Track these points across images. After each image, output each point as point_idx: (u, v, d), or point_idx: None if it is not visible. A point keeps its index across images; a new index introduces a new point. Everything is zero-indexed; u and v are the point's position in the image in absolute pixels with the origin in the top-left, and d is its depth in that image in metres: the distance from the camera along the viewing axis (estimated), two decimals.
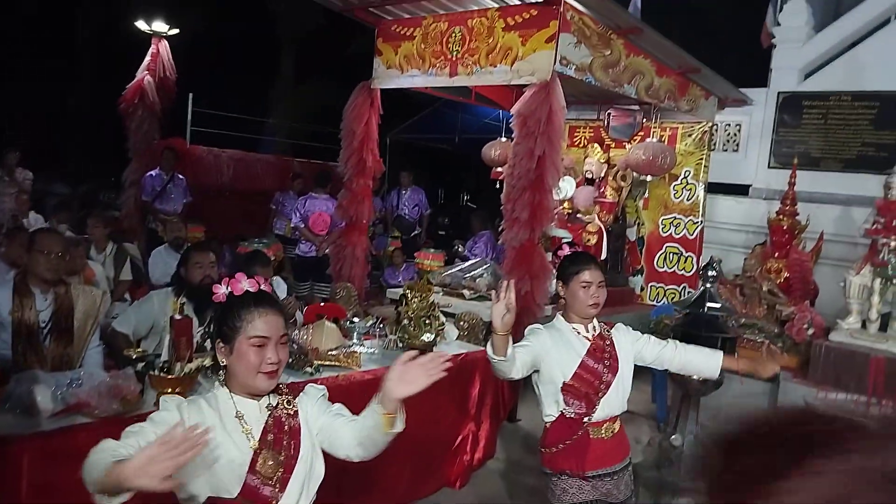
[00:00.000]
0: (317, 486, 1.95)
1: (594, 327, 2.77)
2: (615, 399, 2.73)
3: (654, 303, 7.07)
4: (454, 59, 5.58)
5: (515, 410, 5.17)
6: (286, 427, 1.89)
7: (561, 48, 4.94)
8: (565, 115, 5.03)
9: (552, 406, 2.72)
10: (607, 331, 2.81)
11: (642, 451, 4.93)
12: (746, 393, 5.02)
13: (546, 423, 2.77)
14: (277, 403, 1.91)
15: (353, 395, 3.85)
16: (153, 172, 8.03)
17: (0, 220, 6.69)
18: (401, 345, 4.31)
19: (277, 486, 1.82)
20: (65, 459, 2.70)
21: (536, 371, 2.71)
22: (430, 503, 4.24)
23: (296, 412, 1.94)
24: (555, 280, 2.90)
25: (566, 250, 2.83)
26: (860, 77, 6.68)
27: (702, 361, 2.90)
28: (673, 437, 4.08)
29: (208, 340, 1.98)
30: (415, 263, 7.29)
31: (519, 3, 5.15)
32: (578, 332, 2.73)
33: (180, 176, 8.24)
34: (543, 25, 4.99)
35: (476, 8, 5.43)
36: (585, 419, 2.66)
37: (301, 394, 2.01)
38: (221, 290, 1.87)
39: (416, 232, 9.65)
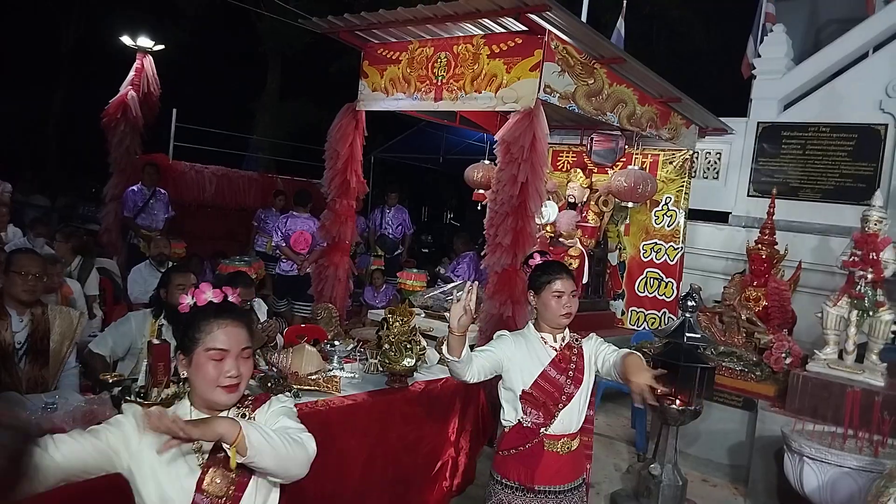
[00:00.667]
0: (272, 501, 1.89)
1: (563, 337, 2.75)
2: (575, 412, 2.70)
3: (635, 327, 7.11)
4: (439, 83, 5.61)
5: (495, 436, 5.14)
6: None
7: (545, 76, 4.99)
8: (548, 142, 5.06)
9: (511, 412, 2.72)
10: (577, 340, 2.79)
11: (621, 479, 4.94)
12: (726, 419, 5.06)
13: (504, 427, 2.77)
14: (241, 417, 1.84)
15: (333, 421, 3.83)
16: (135, 188, 7.96)
17: None
18: (381, 369, 4.29)
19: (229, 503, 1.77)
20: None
21: (499, 376, 2.71)
22: None
23: None
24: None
25: (537, 259, 2.80)
26: (838, 109, 6.80)
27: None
28: (652, 465, 4.09)
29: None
30: (397, 283, 7.28)
31: (504, 31, 5.20)
32: (546, 342, 2.72)
33: (162, 191, 8.16)
34: (528, 54, 5.04)
35: (462, 34, 5.48)
36: (542, 430, 2.65)
37: (263, 406, 1.91)
38: (186, 301, 1.83)
39: (398, 251, 9.66)
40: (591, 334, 2.88)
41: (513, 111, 5.09)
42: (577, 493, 2.77)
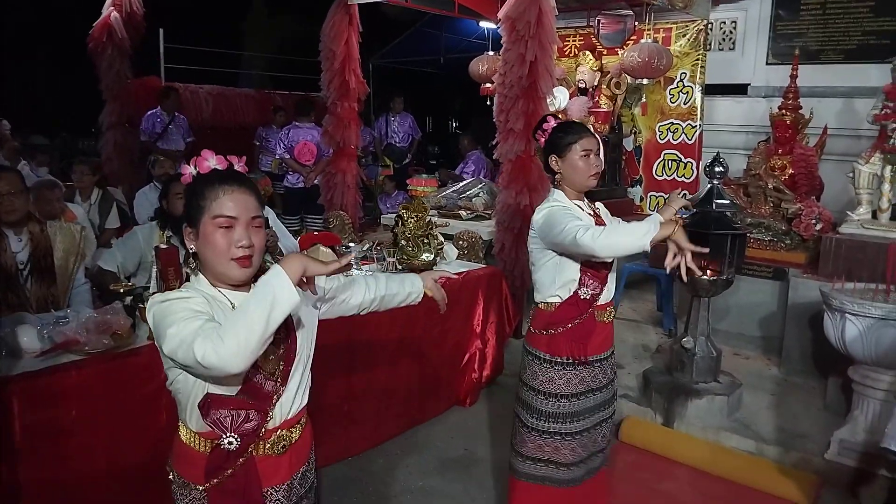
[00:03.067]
0: (309, 371, 1.82)
1: (588, 204, 2.61)
2: (613, 279, 2.62)
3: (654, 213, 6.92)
4: None
5: (521, 326, 5.07)
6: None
7: None
8: (556, 17, 4.75)
9: (564, 288, 2.54)
10: (595, 207, 2.67)
11: (651, 358, 4.88)
12: (756, 291, 4.94)
13: (547, 304, 2.58)
14: None
15: (356, 318, 3.72)
16: (154, 112, 7.77)
17: None
18: (399, 266, 4.18)
19: (279, 380, 1.69)
20: (57, 398, 2.59)
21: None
22: (440, 422, 4.18)
23: None
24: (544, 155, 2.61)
25: (552, 122, 2.58)
26: None
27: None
28: (684, 339, 3.99)
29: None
30: (408, 191, 7.11)
31: None
32: (582, 209, 2.55)
33: (181, 116, 7.97)
34: None
35: None
36: (596, 300, 2.55)
37: None
38: (188, 171, 1.66)
39: (406, 160, 9.43)
40: (597, 202, 2.73)
41: None
42: (614, 359, 2.73)
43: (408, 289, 2.15)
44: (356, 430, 3.73)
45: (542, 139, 2.59)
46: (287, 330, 1.72)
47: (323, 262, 1.54)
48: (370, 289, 2.09)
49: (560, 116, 3.01)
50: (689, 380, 3.97)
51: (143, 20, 8.27)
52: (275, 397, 1.69)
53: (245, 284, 1.69)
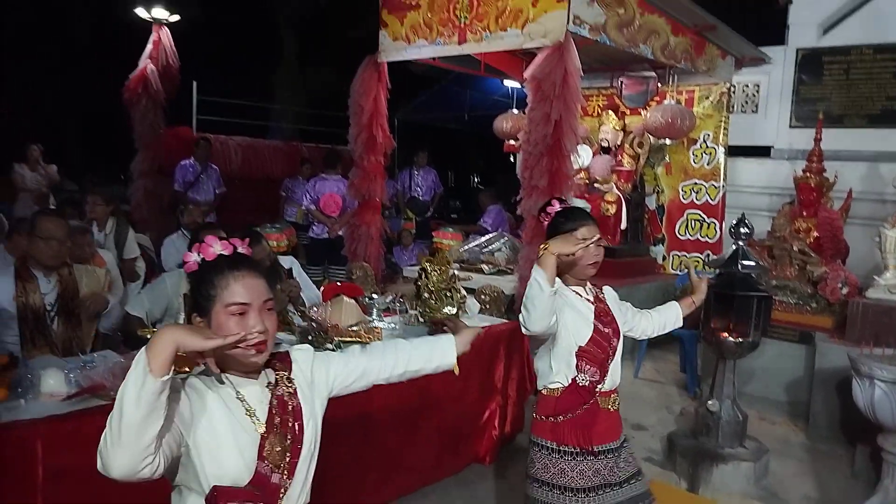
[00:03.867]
0: (315, 463, 1.77)
1: (590, 289, 2.56)
2: (618, 366, 2.54)
3: (677, 272, 6.90)
4: (462, 25, 5.41)
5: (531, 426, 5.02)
6: (289, 407, 1.68)
7: (574, 7, 4.77)
8: (581, 78, 4.84)
9: (561, 374, 2.47)
10: (601, 293, 2.61)
11: (675, 421, 4.80)
12: (782, 354, 4.88)
13: (550, 390, 2.51)
14: (277, 381, 1.70)
15: None
16: (186, 162, 7.95)
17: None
18: (422, 319, 4.18)
19: (286, 472, 1.64)
20: (80, 443, 2.59)
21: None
22: (459, 480, 4.11)
23: (295, 391, 1.72)
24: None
25: (556, 206, 2.53)
26: (882, 29, 6.44)
27: (671, 314, 2.80)
28: (710, 402, 3.92)
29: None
30: (433, 243, 7.15)
31: None
32: (580, 295, 2.51)
33: (213, 166, 8.15)
34: None
35: None
36: (598, 387, 2.47)
37: (293, 367, 1.77)
38: (192, 258, 1.63)
39: (429, 213, 9.52)
40: (604, 287, 2.69)
41: (541, 48, 4.87)
42: (626, 448, 2.59)
43: (436, 362, 2.05)
44: (372, 482, 3.67)
45: (546, 222, 2.55)
46: (294, 419, 1.68)
47: (202, 335, 1.44)
48: (389, 366, 1.98)
49: (561, 196, 2.97)
50: (715, 444, 3.89)
51: (177, 73, 8.55)
52: (282, 490, 1.63)
53: (256, 371, 1.67)
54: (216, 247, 1.63)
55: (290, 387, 1.71)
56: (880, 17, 6.48)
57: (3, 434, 2.43)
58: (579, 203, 6.03)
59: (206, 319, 1.59)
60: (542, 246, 2.26)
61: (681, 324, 2.82)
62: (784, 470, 4.06)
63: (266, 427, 1.62)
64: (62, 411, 2.62)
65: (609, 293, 2.66)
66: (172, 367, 1.38)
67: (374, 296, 4.56)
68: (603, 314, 2.52)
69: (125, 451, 1.39)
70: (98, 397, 2.73)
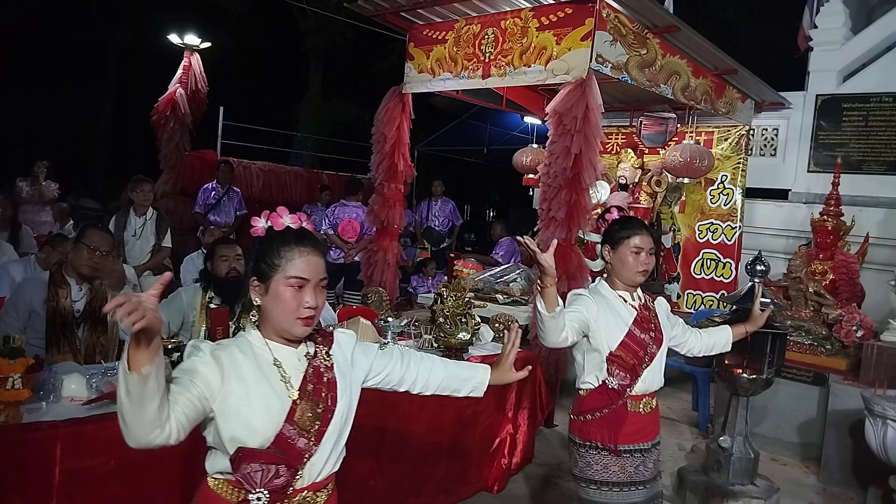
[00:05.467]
0: (344, 441, 1.85)
1: (639, 296, 2.65)
2: (657, 372, 2.63)
3: (691, 310, 6.90)
4: (487, 60, 5.53)
5: (553, 415, 5.02)
6: (325, 379, 1.76)
7: (597, 46, 4.86)
8: (601, 114, 4.92)
9: (592, 375, 2.60)
10: (651, 301, 2.71)
11: (686, 458, 4.77)
12: (795, 395, 4.85)
13: (582, 390, 2.64)
14: (316, 353, 1.79)
15: (389, 392, 3.76)
16: (209, 185, 8.10)
17: (19, 225, 6.69)
18: (436, 344, 4.21)
19: (313, 438, 1.71)
20: (98, 447, 2.64)
21: (585, 336, 2.58)
22: None
23: (332, 365, 1.81)
24: (599, 245, 2.75)
25: (615, 214, 2.69)
26: None
27: (722, 336, 2.94)
28: (722, 438, 3.91)
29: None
30: (455, 271, 7.21)
31: (553, 2, 5.08)
32: (624, 300, 2.61)
33: (235, 189, 8.29)
34: (579, 23, 4.92)
35: (509, 9, 5.37)
36: (627, 391, 2.54)
37: (333, 345, 1.86)
38: (260, 224, 1.74)
39: (445, 244, 9.58)
40: (658, 298, 2.81)
41: (562, 85, 4.97)
42: (657, 451, 2.69)
43: (468, 390, 2.14)
44: None
45: (603, 228, 2.71)
46: (328, 389, 1.76)
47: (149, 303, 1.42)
48: (424, 379, 2.06)
49: (620, 206, 3.12)
50: (726, 481, 3.87)
51: (205, 98, 8.76)
52: (306, 455, 1.70)
53: (297, 342, 1.75)
54: (286, 219, 1.73)
55: (328, 361, 1.80)
56: None
57: (23, 434, 2.48)
58: (596, 238, 6.08)
59: (264, 285, 1.69)
60: (536, 284, 2.44)
61: (729, 349, 2.97)
62: None
63: (299, 394, 1.70)
64: (82, 415, 2.67)
65: (661, 304, 2.76)
66: (154, 358, 1.44)
67: (390, 319, 4.60)
68: (645, 321, 2.60)
69: (132, 428, 1.51)
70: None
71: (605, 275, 2.71)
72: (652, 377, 2.60)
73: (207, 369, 1.64)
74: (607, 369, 2.55)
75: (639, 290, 2.67)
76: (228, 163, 8.46)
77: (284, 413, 1.68)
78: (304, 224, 1.76)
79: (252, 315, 1.76)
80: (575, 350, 2.65)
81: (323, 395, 1.74)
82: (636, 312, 2.59)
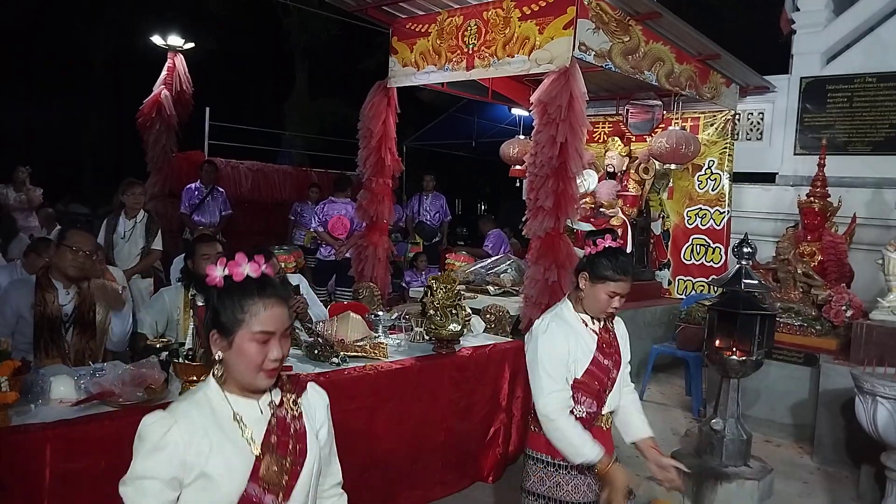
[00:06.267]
0: (315, 492, 1.75)
1: (598, 320, 2.56)
2: (617, 393, 2.56)
3: (682, 296, 6.92)
4: (470, 52, 5.53)
5: (525, 440, 5.02)
6: (291, 430, 1.66)
7: (579, 34, 4.87)
8: (586, 102, 4.92)
9: None
10: (610, 322, 2.62)
11: (679, 442, 4.79)
12: (787, 376, 4.88)
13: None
14: (282, 401, 1.68)
15: (382, 385, 3.77)
16: (192, 185, 8.05)
17: (16, 233, 6.67)
18: (427, 337, 4.21)
19: (282, 494, 1.61)
20: (88, 448, 2.63)
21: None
22: (463, 498, 4.11)
23: (300, 413, 1.70)
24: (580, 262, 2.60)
25: (608, 242, 2.50)
26: (884, 58, 6.54)
27: (632, 422, 2.67)
28: (714, 420, 3.93)
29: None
30: (447, 265, 7.22)
31: None
32: (586, 324, 2.53)
33: (219, 189, 8.23)
34: (561, 12, 4.93)
35: (491, 0, 5.37)
36: (595, 420, 2.50)
37: (304, 393, 1.77)
38: (217, 273, 1.60)
39: (436, 239, 9.58)
40: (618, 318, 2.68)
41: (548, 73, 4.97)
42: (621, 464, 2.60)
43: None
44: (372, 498, 3.67)
45: (591, 251, 2.53)
46: (296, 441, 1.67)
47: None
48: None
49: (614, 230, 3.03)
50: (719, 463, 3.89)
51: (191, 99, 8.71)
52: None
53: (258, 392, 1.66)
54: (245, 268, 1.60)
55: (296, 409, 1.70)
56: (883, 47, 6.58)
57: (12, 437, 2.47)
58: (585, 227, 6.09)
59: (227, 339, 1.58)
60: (605, 466, 2.38)
61: (623, 434, 2.71)
62: (788, 490, 4.04)
63: (261, 449, 1.60)
64: (71, 416, 2.66)
65: (619, 326, 2.66)
66: None
67: (380, 313, 4.60)
68: (606, 345, 2.53)
69: None
70: (107, 404, 2.77)
71: (570, 295, 2.60)
72: (614, 398, 2.55)
73: (172, 457, 1.54)
74: (573, 397, 2.47)
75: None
76: (212, 163, 8.41)
77: (248, 471, 1.59)
78: (263, 269, 1.63)
79: (216, 370, 1.64)
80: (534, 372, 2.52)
81: (290, 447, 1.65)
82: (597, 336, 2.53)
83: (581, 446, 2.37)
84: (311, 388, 1.80)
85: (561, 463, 2.47)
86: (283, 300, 1.63)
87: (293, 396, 1.71)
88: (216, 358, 1.62)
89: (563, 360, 2.44)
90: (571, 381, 2.46)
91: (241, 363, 1.58)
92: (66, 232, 3.46)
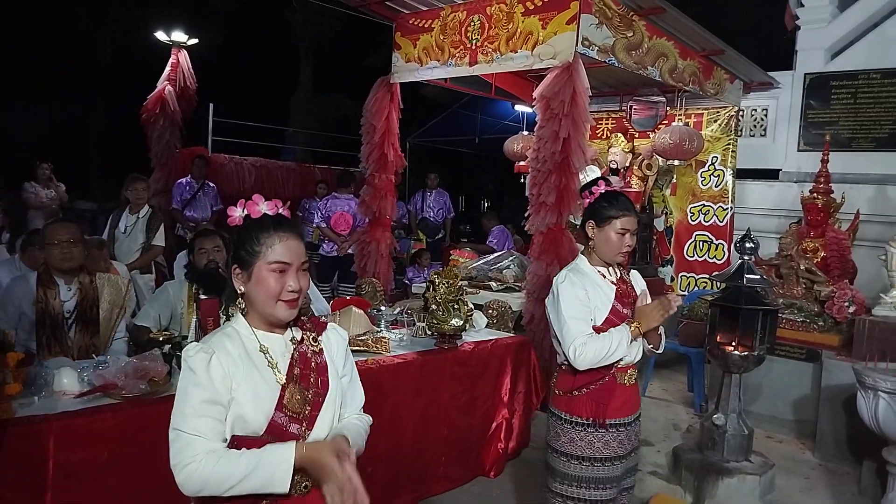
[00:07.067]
0: (338, 420, 1.86)
1: (615, 271, 2.64)
2: (638, 343, 2.60)
3: (685, 293, 6.91)
4: (474, 47, 5.52)
5: (549, 398, 5.02)
6: (313, 363, 1.77)
7: (583, 29, 4.86)
8: (589, 97, 4.92)
9: None
10: (627, 274, 2.70)
11: (681, 437, 4.80)
12: (789, 372, 4.88)
13: (567, 365, 2.60)
14: (302, 338, 1.80)
15: (384, 379, 3.77)
16: (183, 180, 8.03)
17: (25, 229, 6.68)
18: (429, 332, 4.22)
19: (305, 423, 1.72)
20: (92, 440, 2.64)
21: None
22: (463, 492, 4.11)
23: (321, 350, 1.82)
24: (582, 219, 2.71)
25: (602, 187, 2.61)
26: (889, 54, 6.51)
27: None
28: (715, 416, 3.93)
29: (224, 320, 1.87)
30: (450, 261, 7.22)
31: None
32: (604, 276, 2.60)
33: (210, 184, 8.21)
34: (564, 7, 4.92)
35: None
36: (619, 377, 2.55)
37: (325, 331, 1.89)
38: (237, 213, 1.75)
39: (440, 235, 9.59)
40: (633, 271, 2.79)
41: (551, 68, 4.96)
42: (638, 424, 2.70)
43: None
44: (375, 492, 3.68)
45: (587, 200, 2.64)
46: (318, 374, 1.77)
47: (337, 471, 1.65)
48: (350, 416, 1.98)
49: (607, 178, 3.10)
50: (720, 458, 3.89)
51: (195, 95, 8.72)
52: (300, 440, 1.70)
53: (283, 326, 1.77)
54: (262, 206, 1.74)
55: (316, 345, 1.82)
56: (888, 43, 6.55)
57: (16, 429, 2.48)
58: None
59: (246, 272, 1.71)
60: (634, 324, 2.50)
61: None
62: (790, 486, 4.05)
63: (286, 378, 1.71)
64: (74, 408, 2.68)
65: (637, 279, 2.74)
66: None
67: (382, 308, 4.61)
68: (624, 295, 2.60)
69: (212, 494, 1.63)
70: (110, 396, 2.78)
71: (583, 250, 2.69)
72: (635, 349, 2.59)
73: (218, 386, 1.65)
74: None
75: (614, 265, 2.65)
76: (203, 157, 8.36)
77: (274, 399, 1.69)
78: (280, 210, 1.77)
79: (239, 302, 1.77)
80: (556, 325, 2.62)
81: (312, 379, 1.75)
82: (615, 287, 2.59)
83: (614, 339, 2.46)
84: (331, 327, 1.92)
85: (578, 420, 2.55)
86: (297, 234, 1.76)
87: (313, 334, 1.83)
88: (239, 291, 1.74)
89: (584, 302, 2.52)
90: (591, 328, 2.52)
91: (261, 293, 1.69)
92: (46, 229, 3.47)
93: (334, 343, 1.89)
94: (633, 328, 2.48)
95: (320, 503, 1.72)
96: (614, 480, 2.59)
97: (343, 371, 1.88)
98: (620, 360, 2.53)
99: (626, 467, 2.63)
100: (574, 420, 2.57)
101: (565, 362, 2.61)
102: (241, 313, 1.78)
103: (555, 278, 2.65)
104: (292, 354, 1.76)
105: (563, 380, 2.64)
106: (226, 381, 1.65)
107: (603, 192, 2.60)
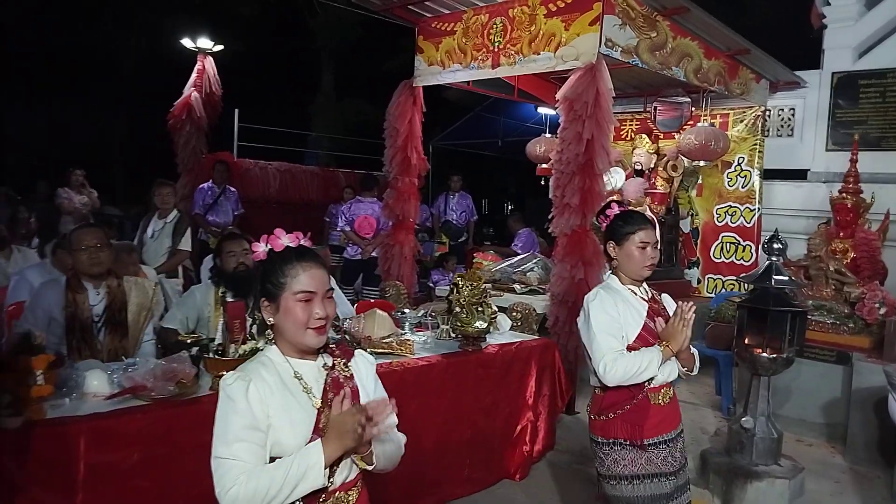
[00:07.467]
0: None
1: (645, 290, 2.65)
2: (672, 362, 2.57)
3: (712, 295, 6.84)
4: (496, 50, 5.52)
5: (573, 402, 5.01)
6: (345, 388, 1.84)
7: (606, 30, 4.84)
8: (613, 98, 4.89)
9: None
10: (658, 295, 2.71)
11: (710, 441, 4.74)
12: (819, 375, 4.80)
13: (599, 388, 2.61)
14: (334, 364, 1.88)
15: (408, 381, 3.78)
16: (205, 185, 8.12)
17: (56, 235, 6.79)
18: (453, 334, 4.22)
19: None
20: (121, 441, 2.68)
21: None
22: (489, 495, 4.10)
23: (352, 375, 1.90)
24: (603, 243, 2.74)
25: (615, 209, 2.68)
26: None
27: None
28: (744, 419, 3.88)
29: (254, 328, 1.94)
30: (475, 264, 7.23)
31: None
32: (635, 293, 2.61)
33: (231, 189, 8.30)
34: (587, 8, 4.90)
35: None
36: (647, 383, 2.53)
37: (353, 358, 1.96)
38: (261, 248, 1.82)
39: (463, 238, 9.59)
40: (664, 294, 2.78)
41: (574, 69, 4.95)
42: (682, 440, 2.67)
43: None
44: (401, 494, 3.68)
45: (604, 224, 2.69)
46: (351, 397, 1.82)
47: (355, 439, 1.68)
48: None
49: (620, 199, 3.11)
50: (749, 461, 3.84)
51: (220, 101, 8.82)
52: (336, 463, 1.75)
53: (313, 353, 1.84)
54: (284, 239, 1.81)
55: (347, 371, 1.89)
56: None
57: (47, 430, 2.52)
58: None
59: (274, 304, 1.78)
60: (664, 344, 2.48)
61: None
62: (820, 490, 3.98)
63: (322, 402, 1.78)
64: (104, 410, 2.72)
65: (668, 302, 2.74)
66: None
67: (406, 310, 4.62)
68: (656, 313, 2.60)
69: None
70: (139, 398, 2.82)
71: (610, 271, 2.70)
72: (669, 368, 2.56)
73: (256, 413, 1.71)
74: None
75: (644, 284, 2.66)
76: (224, 162, 8.46)
77: (311, 423, 1.75)
78: (301, 242, 1.84)
79: (268, 333, 1.85)
80: (590, 339, 2.60)
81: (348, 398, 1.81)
82: (647, 305, 2.59)
83: (644, 357, 2.46)
84: (359, 353, 2.01)
85: (613, 441, 2.56)
86: (320, 264, 1.83)
87: (343, 360, 1.90)
88: (268, 322, 1.82)
89: (615, 318, 2.53)
90: (624, 347, 2.53)
91: (289, 323, 1.76)
92: (72, 235, 3.51)
93: (363, 368, 1.96)
94: (664, 348, 2.47)
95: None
96: (664, 498, 2.56)
97: (374, 395, 1.92)
98: (651, 379, 2.51)
99: (675, 484, 2.59)
100: (611, 441, 2.57)
101: (598, 384, 2.60)
102: (270, 341, 1.85)
103: (586, 297, 2.65)
104: (325, 380, 1.83)
105: (595, 403, 2.66)
106: (263, 407, 1.71)
107: (617, 213, 2.66)
